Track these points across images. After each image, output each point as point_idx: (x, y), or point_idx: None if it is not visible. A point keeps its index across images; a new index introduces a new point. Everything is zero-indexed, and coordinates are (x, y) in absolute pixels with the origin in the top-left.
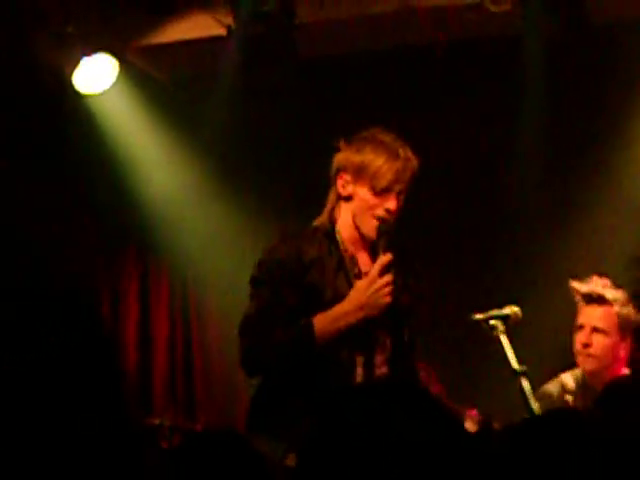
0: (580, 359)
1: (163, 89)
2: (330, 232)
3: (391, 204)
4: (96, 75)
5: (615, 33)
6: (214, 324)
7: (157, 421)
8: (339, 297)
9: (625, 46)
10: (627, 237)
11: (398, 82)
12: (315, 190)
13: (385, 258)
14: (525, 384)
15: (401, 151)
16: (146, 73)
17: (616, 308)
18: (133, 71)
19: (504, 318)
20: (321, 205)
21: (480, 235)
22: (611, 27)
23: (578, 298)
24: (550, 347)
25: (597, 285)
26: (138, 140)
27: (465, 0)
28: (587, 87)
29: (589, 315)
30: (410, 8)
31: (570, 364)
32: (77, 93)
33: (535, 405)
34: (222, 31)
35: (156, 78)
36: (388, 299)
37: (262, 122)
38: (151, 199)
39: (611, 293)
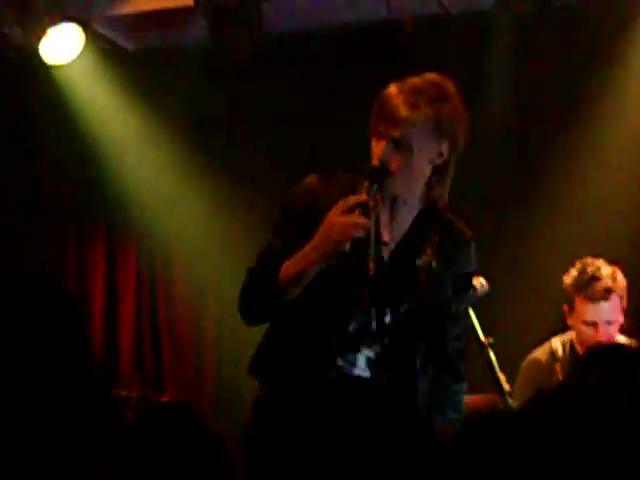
0: None
1: (130, 59)
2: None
3: (377, 149)
4: (62, 45)
5: (578, 10)
6: (181, 298)
7: (124, 393)
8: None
9: (587, 22)
10: (596, 210)
11: (366, 57)
12: (285, 163)
13: (354, 198)
14: (492, 357)
15: (405, 95)
16: (113, 43)
17: (619, 291)
18: (100, 41)
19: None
20: (286, 179)
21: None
22: (577, 6)
23: (573, 285)
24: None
25: (603, 277)
26: (105, 111)
27: None
28: (556, 64)
29: (600, 312)
30: None
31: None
32: (44, 64)
33: (503, 378)
34: (189, 2)
35: (123, 48)
36: (340, 237)
37: (229, 95)
38: (119, 174)
39: (612, 279)
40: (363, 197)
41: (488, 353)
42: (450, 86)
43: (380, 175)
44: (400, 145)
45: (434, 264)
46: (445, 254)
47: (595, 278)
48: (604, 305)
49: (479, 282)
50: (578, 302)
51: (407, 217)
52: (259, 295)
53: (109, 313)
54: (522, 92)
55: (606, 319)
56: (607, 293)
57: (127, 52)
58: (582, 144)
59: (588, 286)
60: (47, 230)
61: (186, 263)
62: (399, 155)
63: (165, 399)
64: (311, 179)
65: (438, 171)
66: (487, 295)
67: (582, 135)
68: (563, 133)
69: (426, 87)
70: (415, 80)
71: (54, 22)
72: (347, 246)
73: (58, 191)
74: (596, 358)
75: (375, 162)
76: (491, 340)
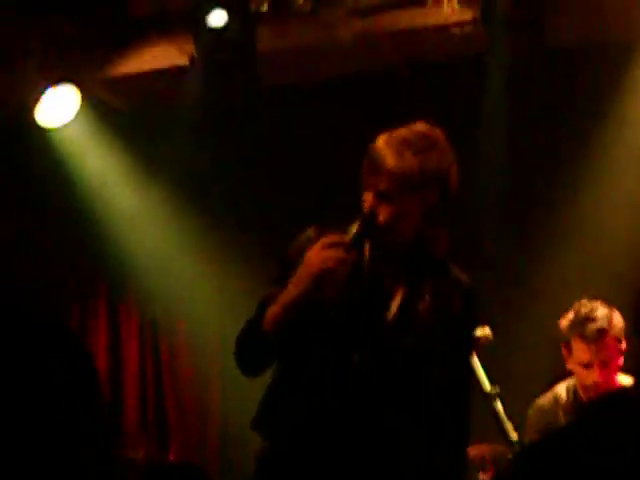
0: (592, 393)
1: (127, 120)
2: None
3: (366, 200)
4: (58, 108)
5: (573, 55)
6: (185, 356)
7: (129, 454)
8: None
9: (583, 67)
10: (591, 252)
11: (361, 108)
12: (281, 218)
13: (336, 236)
14: (498, 406)
15: (392, 147)
16: (109, 105)
17: (614, 332)
18: (96, 103)
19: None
20: (283, 234)
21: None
22: (569, 49)
23: (568, 327)
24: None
25: (598, 318)
26: (103, 173)
27: (427, 23)
28: (548, 107)
29: (595, 352)
30: (372, 33)
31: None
32: (40, 127)
33: (510, 427)
34: (184, 60)
35: (119, 109)
36: (316, 269)
37: (226, 150)
38: (119, 235)
39: (607, 320)
40: (346, 238)
41: (494, 402)
42: (438, 135)
43: (369, 225)
44: (386, 197)
45: (432, 309)
46: (442, 300)
47: (589, 319)
48: (599, 346)
49: (484, 331)
50: (574, 344)
51: (401, 264)
52: (247, 341)
53: (113, 374)
54: (520, 133)
55: (602, 360)
56: (601, 333)
57: (124, 113)
58: (583, 185)
59: (583, 326)
60: (49, 291)
61: (188, 321)
62: (386, 206)
63: (170, 458)
64: (309, 231)
65: (429, 218)
66: (492, 344)
67: (582, 176)
68: (562, 175)
69: (413, 139)
70: (403, 132)
71: (50, 85)
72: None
73: (58, 253)
74: (600, 406)
75: (365, 211)
76: (497, 389)
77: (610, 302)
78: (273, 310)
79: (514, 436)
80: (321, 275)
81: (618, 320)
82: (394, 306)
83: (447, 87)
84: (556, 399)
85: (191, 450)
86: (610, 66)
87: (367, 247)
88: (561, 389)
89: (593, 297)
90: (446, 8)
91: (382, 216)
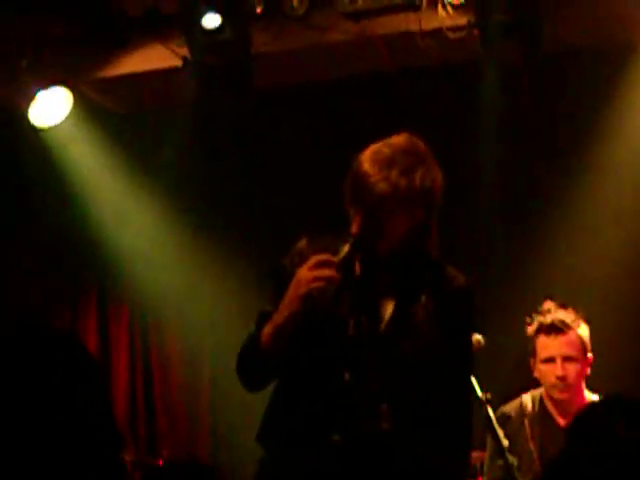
0: (556, 392)
1: (119, 121)
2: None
3: (355, 221)
4: (51, 109)
5: (569, 60)
6: (176, 362)
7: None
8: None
9: (578, 73)
10: (584, 257)
11: (355, 111)
12: (277, 221)
13: (325, 256)
14: (490, 412)
15: (377, 169)
16: (101, 106)
17: (578, 331)
18: (88, 104)
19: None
20: (281, 236)
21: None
22: (565, 55)
23: (533, 329)
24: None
25: (556, 312)
26: (95, 175)
27: (422, 27)
28: (543, 112)
29: (557, 346)
30: (366, 36)
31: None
32: (32, 128)
33: (501, 434)
34: (177, 62)
35: (111, 111)
36: (304, 290)
37: (218, 153)
38: (110, 236)
39: (571, 320)
40: (333, 258)
41: (486, 409)
42: (422, 149)
43: (358, 246)
44: (374, 217)
45: (427, 315)
46: (438, 305)
47: (552, 313)
48: (561, 339)
49: (476, 338)
50: (538, 343)
51: (393, 277)
52: (247, 360)
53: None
54: (514, 138)
55: (564, 354)
56: (563, 325)
57: (116, 114)
58: (579, 188)
59: (545, 319)
60: (38, 293)
61: (179, 324)
62: (375, 226)
63: (160, 462)
64: (301, 242)
65: (418, 230)
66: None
67: (579, 178)
68: (558, 178)
69: (396, 157)
70: (386, 150)
71: (43, 86)
72: (318, 298)
73: (47, 254)
74: (583, 424)
75: (354, 231)
76: (488, 396)
77: (607, 309)
78: (267, 330)
79: (506, 443)
80: (310, 295)
81: (584, 327)
82: (387, 315)
83: (441, 91)
84: (522, 408)
85: (181, 453)
86: (606, 71)
87: (357, 264)
88: (526, 399)
89: (562, 304)
90: (441, 12)
91: (371, 235)
